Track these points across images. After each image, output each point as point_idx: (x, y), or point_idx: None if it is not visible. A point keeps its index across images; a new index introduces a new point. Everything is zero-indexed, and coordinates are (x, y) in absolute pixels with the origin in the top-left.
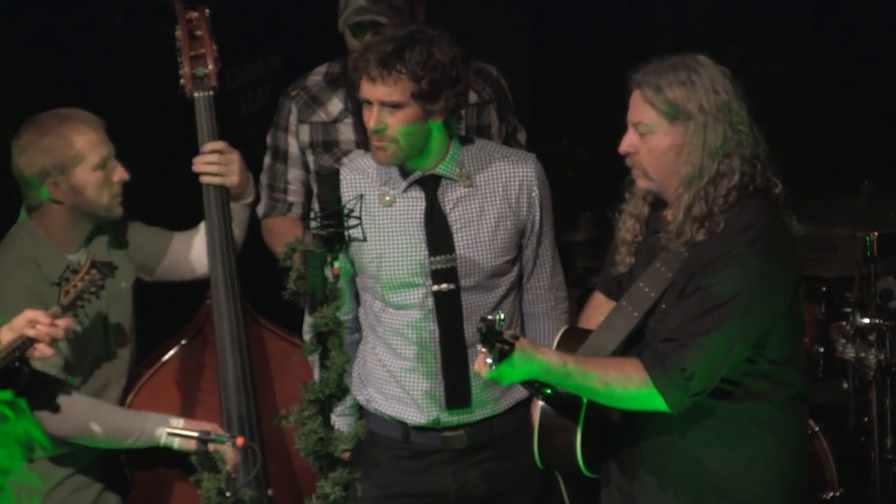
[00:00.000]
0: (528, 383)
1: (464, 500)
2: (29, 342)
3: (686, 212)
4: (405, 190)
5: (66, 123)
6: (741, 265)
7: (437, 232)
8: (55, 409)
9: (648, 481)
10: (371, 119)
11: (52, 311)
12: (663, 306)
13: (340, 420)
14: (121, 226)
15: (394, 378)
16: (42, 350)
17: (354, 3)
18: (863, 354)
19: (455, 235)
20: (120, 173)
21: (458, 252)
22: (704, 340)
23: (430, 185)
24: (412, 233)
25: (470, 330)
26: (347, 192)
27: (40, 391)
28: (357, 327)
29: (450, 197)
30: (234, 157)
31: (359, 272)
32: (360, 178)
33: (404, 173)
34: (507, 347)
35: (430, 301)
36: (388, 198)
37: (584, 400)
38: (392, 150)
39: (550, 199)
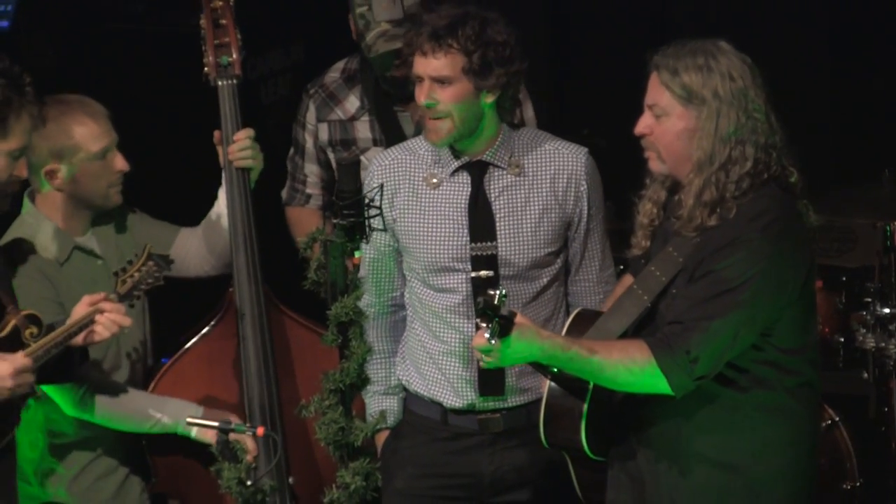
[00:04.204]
0: (534, 363)
1: (498, 484)
2: (89, 323)
3: (696, 197)
4: (452, 173)
5: (67, 112)
6: (751, 251)
7: (480, 218)
8: (86, 387)
9: (656, 465)
10: (422, 94)
11: (109, 298)
12: (673, 290)
13: (383, 399)
14: (126, 215)
15: (432, 360)
16: (101, 333)
17: (376, 26)
18: (883, 344)
19: (498, 223)
20: (119, 163)
21: (499, 240)
22: (710, 325)
23: (478, 170)
24: (455, 217)
25: None
26: (396, 173)
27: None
28: (403, 305)
29: (496, 184)
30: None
31: (403, 252)
32: (409, 158)
33: (453, 156)
34: (506, 325)
35: (469, 287)
36: (435, 180)
37: (591, 381)
38: (446, 127)
39: (601, 192)
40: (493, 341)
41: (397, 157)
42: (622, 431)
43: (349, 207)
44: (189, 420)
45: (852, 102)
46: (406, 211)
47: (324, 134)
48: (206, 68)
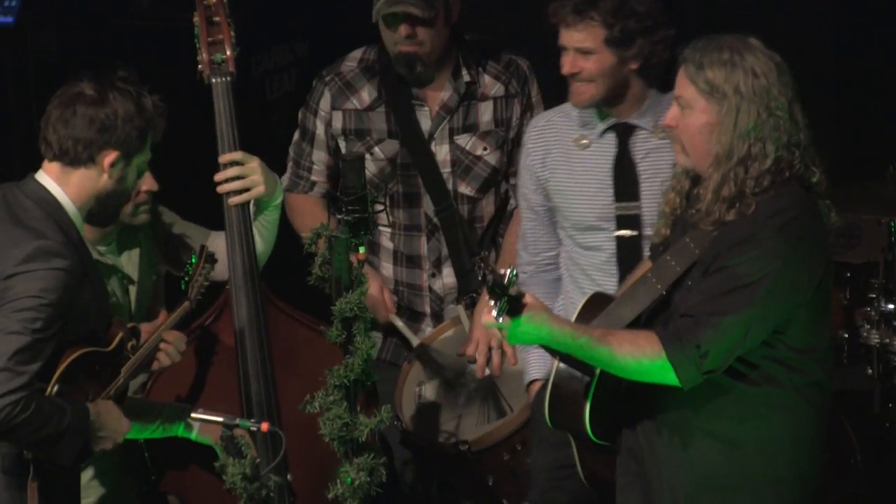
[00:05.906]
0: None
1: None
2: (155, 350)
3: (715, 192)
4: (601, 135)
5: None
6: (766, 249)
7: (625, 179)
8: None
9: (660, 454)
10: (566, 64)
11: (184, 306)
12: (689, 282)
13: (538, 351)
14: (159, 219)
15: None
16: (163, 362)
17: None
18: (887, 340)
19: (642, 185)
20: (148, 184)
21: (643, 200)
22: (722, 320)
23: (625, 132)
24: (601, 177)
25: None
26: (549, 134)
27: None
28: (557, 265)
29: (642, 146)
30: (255, 166)
31: (554, 212)
32: (562, 120)
33: (601, 119)
34: (514, 305)
35: (613, 245)
36: (584, 141)
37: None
38: (589, 93)
39: None
40: (500, 319)
41: (550, 119)
42: (629, 417)
43: (353, 203)
44: (193, 416)
45: (857, 98)
46: (557, 170)
47: (338, 122)
48: (199, 66)
